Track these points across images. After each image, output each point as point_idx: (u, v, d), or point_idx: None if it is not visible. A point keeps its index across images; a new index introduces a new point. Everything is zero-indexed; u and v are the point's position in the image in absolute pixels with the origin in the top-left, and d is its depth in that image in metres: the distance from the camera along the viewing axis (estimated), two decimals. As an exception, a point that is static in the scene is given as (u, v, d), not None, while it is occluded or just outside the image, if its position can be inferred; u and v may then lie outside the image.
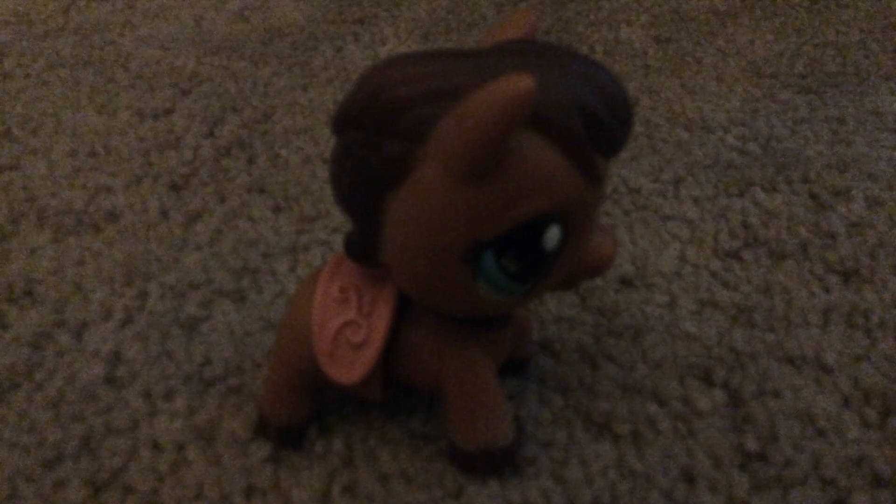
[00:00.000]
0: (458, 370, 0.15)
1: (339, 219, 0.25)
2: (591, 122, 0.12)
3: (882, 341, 0.20)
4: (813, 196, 0.25)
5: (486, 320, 0.15)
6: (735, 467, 0.17)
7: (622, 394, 0.19)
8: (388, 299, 0.15)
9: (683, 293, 0.22)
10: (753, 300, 0.21)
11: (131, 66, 0.33)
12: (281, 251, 0.23)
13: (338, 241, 0.24)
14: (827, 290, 0.22)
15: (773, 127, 0.29)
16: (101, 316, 0.21)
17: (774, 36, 0.36)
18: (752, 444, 0.17)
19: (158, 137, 0.28)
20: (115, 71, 0.33)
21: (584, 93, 0.12)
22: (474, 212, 0.12)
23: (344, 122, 0.13)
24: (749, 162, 0.27)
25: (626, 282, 0.22)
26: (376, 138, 0.12)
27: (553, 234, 0.13)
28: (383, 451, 0.17)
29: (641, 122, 0.30)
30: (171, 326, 0.20)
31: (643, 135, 0.29)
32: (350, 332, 0.15)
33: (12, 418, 0.18)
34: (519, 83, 0.11)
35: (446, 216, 0.12)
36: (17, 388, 0.19)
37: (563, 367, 0.19)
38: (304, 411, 0.17)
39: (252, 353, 0.20)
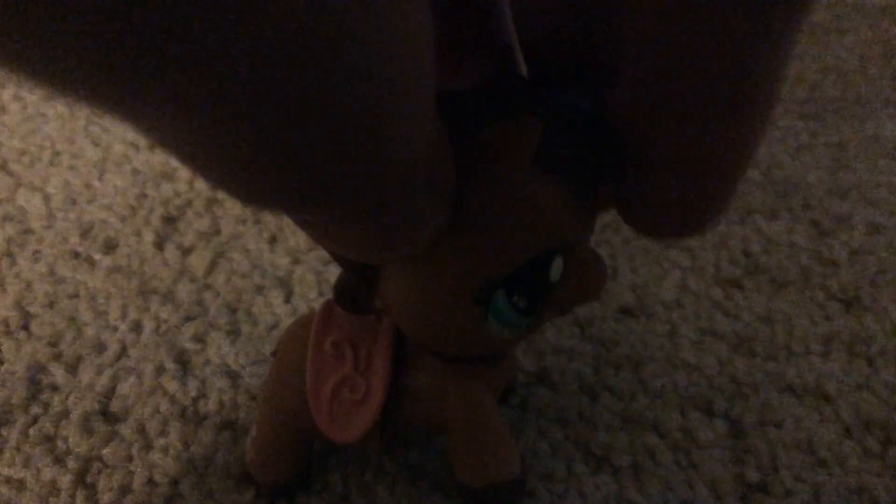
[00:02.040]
0: (461, 408, 0.16)
1: (335, 250, 0.26)
2: (585, 152, 0.13)
3: (883, 369, 0.21)
4: (814, 223, 0.27)
5: (487, 357, 0.16)
6: (736, 499, 0.18)
7: (622, 425, 0.19)
8: (384, 349, 0.16)
9: (684, 322, 0.23)
10: (754, 329, 0.22)
11: (126, 97, 0.35)
12: (275, 283, 0.25)
13: (333, 273, 0.25)
14: (828, 318, 0.23)
15: (774, 153, 0.31)
16: (96, 350, 0.22)
17: (775, 61, 0.38)
18: (752, 475, 0.18)
19: (153, 169, 0.30)
20: (110, 102, 0.35)
21: (572, 123, 0.13)
22: (486, 253, 0.13)
23: None
24: (749, 189, 0.29)
25: (626, 311, 0.23)
26: None
27: (558, 265, 0.13)
28: (380, 485, 0.18)
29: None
30: (165, 360, 0.21)
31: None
32: (348, 390, 0.16)
33: (7, 453, 0.19)
34: (526, 124, 0.11)
35: (457, 260, 0.13)
36: (12, 423, 0.20)
37: (561, 399, 0.20)
38: (297, 467, 0.17)
39: (246, 386, 0.21)
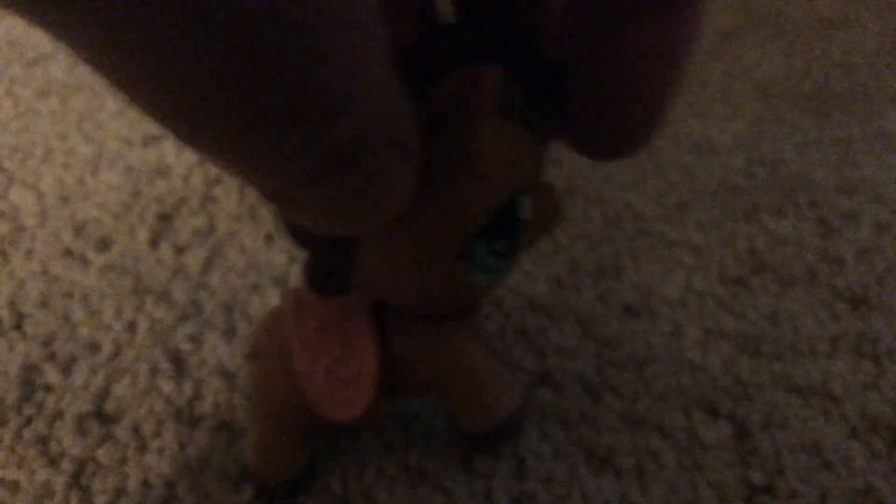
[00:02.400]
0: (453, 365, 0.17)
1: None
2: (535, 91, 0.13)
3: (890, 369, 0.21)
4: (820, 220, 0.27)
5: (465, 308, 0.16)
6: (741, 501, 0.18)
7: (625, 426, 0.19)
8: (366, 323, 0.16)
9: (688, 322, 0.23)
10: (760, 328, 0.22)
11: (120, 94, 0.35)
12: (272, 281, 0.24)
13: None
14: (835, 318, 0.23)
15: (780, 149, 0.31)
16: (90, 350, 0.22)
17: (781, 56, 0.38)
18: (758, 477, 0.18)
19: (147, 166, 0.30)
20: (104, 98, 0.34)
21: (519, 64, 0.13)
22: (466, 207, 0.13)
23: None
24: (755, 186, 0.29)
25: (629, 310, 0.23)
26: None
27: (527, 205, 0.14)
28: (379, 487, 0.18)
29: (644, 145, 0.31)
30: (160, 360, 0.21)
31: (647, 158, 0.30)
32: (341, 369, 0.16)
33: (1, 454, 0.19)
34: (486, 72, 0.12)
35: (440, 218, 0.13)
36: (6, 424, 0.20)
37: (564, 400, 0.20)
38: (301, 463, 0.18)
39: (242, 387, 0.21)
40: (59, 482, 0.18)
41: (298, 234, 0.14)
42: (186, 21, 0.07)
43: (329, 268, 0.15)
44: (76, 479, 0.18)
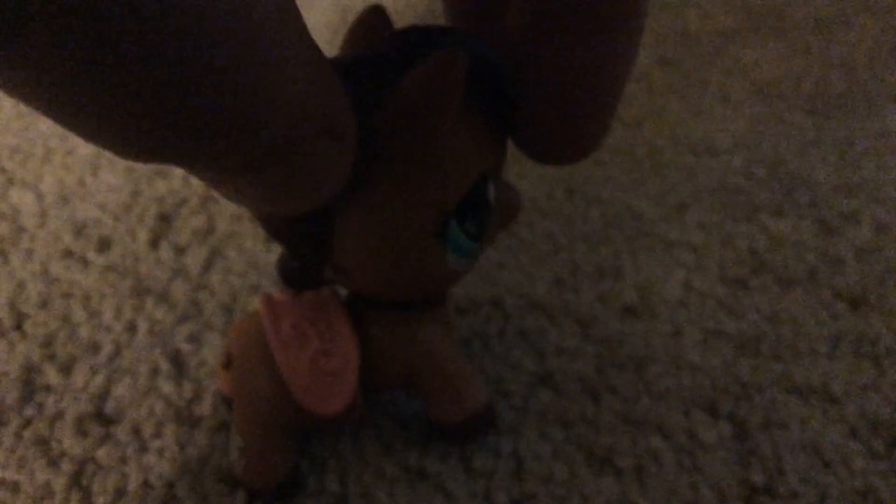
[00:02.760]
0: (426, 355, 0.17)
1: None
2: (489, 84, 0.14)
3: (890, 370, 0.21)
4: (820, 221, 0.27)
5: (436, 297, 0.17)
6: (740, 501, 0.18)
7: (625, 427, 0.20)
8: (341, 316, 0.17)
9: (688, 322, 0.23)
10: (760, 329, 0.22)
11: (120, 93, 0.35)
12: (272, 282, 0.25)
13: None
14: (834, 318, 0.23)
15: (780, 150, 0.31)
16: (90, 350, 0.22)
17: (781, 56, 0.38)
18: (757, 478, 0.18)
19: (147, 166, 0.30)
20: (103, 98, 0.35)
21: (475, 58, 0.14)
22: (439, 187, 0.14)
23: None
24: (755, 186, 0.29)
25: (629, 311, 0.23)
26: None
27: (492, 188, 0.15)
28: (379, 488, 0.18)
29: (645, 145, 0.31)
30: (160, 361, 0.21)
31: (647, 159, 0.30)
32: (323, 362, 0.16)
33: (1, 455, 0.19)
34: (452, 60, 0.12)
35: (415, 199, 0.14)
36: (6, 425, 0.20)
37: (563, 400, 0.20)
38: (289, 465, 0.18)
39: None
40: (60, 483, 0.18)
41: (273, 225, 0.15)
42: (112, 41, 0.08)
43: (304, 259, 0.15)
44: (76, 480, 0.18)
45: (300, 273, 0.16)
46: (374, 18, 0.15)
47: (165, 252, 0.26)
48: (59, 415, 0.20)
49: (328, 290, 0.17)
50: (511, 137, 0.15)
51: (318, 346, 0.16)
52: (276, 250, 0.26)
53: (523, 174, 0.29)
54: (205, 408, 0.20)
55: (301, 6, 0.20)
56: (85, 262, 0.25)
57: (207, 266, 0.25)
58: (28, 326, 0.23)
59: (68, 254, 0.26)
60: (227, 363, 0.18)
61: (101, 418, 0.20)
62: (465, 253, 0.15)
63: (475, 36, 0.14)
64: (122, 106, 0.08)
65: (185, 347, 0.22)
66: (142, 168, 0.30)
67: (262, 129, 0.10)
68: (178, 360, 0.22)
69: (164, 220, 0.27)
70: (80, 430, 0.19)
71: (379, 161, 0.13)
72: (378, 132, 0.13)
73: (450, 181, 0.14)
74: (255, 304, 0.24)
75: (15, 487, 0.18)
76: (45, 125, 0.32)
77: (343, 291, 0.18)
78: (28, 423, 0.20)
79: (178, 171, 0.30)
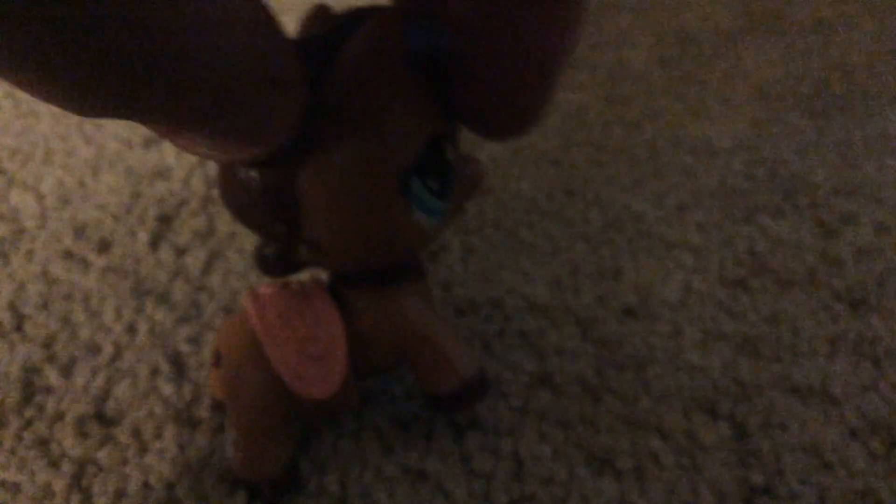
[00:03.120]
0: (412, 329, 0.17)
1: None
2: (431, 54, 0.15)
3: (889, 371, 0.21)
4: (820, 222, 0.27)
5: (415, 271, 0.18)
6: (740, 502, 0.18)
7: (625, 428, 0.20)
8: (325, 302, 0.17)
9: (688, 323, 0.23)
10: (759, 330, 0.22)
11: (120, 95, 0.35)
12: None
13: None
14: (834, 319, 0.23)
15: (780, 151, 0.31)
16: (90, 351, 0.22)
17: (780, 57, 0.38)
18: (757, 478, 0.18)
19: (147, 168, 0.30)
20: (103, 99, 0.35)
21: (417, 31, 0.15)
22: (394, 142, 0.15)
23: None
24: (755, 187, 0.29)
25: (629, 312, 0.23)
26: None
27: (449, 149, 0.16)
28: (379, 488, 0.18)
29: (644, 146, 0.31)
30: (160, 362, 0.22)
31: (646, 159, 0.31)
32: (311, 347, 0.17)
33: (1, 456, 0.19)
34: (391, 15, 0.13)
35: (374, 155, 0.15)
36: (6, 426, 0.20)
37: (563, 401, 0.20)
38: (286, 457, 0.18)
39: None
40: (60, 484, 0.18)
41: (244, 211, 0.15)
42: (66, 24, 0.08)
43: (278, 240, 0.16)
44: (77, 481, 0.18)
45: (277, 259, 0.16)
46: (321, 12, 0.16)
47: (165, 253, 0.26)
48: (60, 416, 0.20)
49: (311, 279, 0.18)
50: (455, 111, 0.15)
51: (305, 332, 0.17)
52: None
53: (523, 175, 0.29)
54: (205, 409, 0.20)
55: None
56: (85, 264, 0.25)
57: (207, 267, 0.25)
58: (28, 327, 0.23)
59: (68, 255, 0.26)
60: (217, 361, 0.18)
61: (102, 419, 0.20)
62: (433, 211, 0.16)
63: (416, 9, 0.15)
64: (65, 64, 0.09)
65: (186, 348, 0.22)
66: (142, 169, 0.30)
67: (204, 80, 0.10)
68: (178, 362, 0.22)
69: (165, 221, 0.27)
70: (81, 432, 0.20)
71: (334, 125, 0.14)
72: (330, 95, 0.14)
73: (401, 138, 0.15)
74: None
75: (15, 488, 0.18)
76: (45, 126, 0.32)
77: (326, 280, 0.18)
78: (28, 424, 0.20)
79: (179, 173, 0.30)
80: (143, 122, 0.11)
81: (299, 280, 0.18)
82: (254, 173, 0.15)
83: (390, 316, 0.17)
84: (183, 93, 0.10)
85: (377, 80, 0.14)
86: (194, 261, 0.25)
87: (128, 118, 0.10)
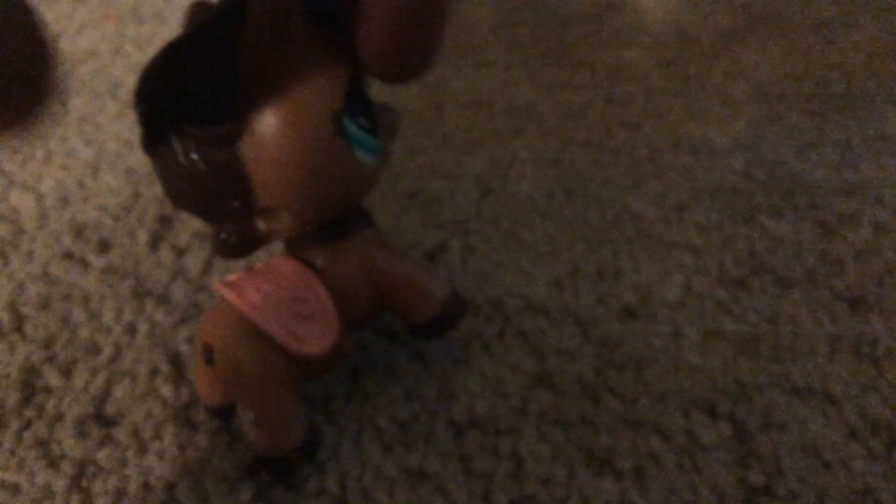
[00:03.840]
0: (384, 269, 0.18)
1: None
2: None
3: (889, 371, 0.21)
4: (820, 222, 0.27)
5: (366, 220, 0.19)
6: (740, 502, 0.18)
7: (624, 428, 0.20)
8: (296, 266, 0.18)
9: (688, 323, 0.23)
10: (759, 330, 0.22)
11: (120, 95, 0.35)
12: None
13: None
14: (834, 319, 0.23)
15: (779, 151, 0.31)
16: (90, 352, 0.22)
17: (780, 57, 0.38)
18: (757, 478, 0.18)
19: (147, 168, 0.30)
20: (104, 100, 0.35)
21: None
22: (322, 86, 0.15)
23: (154, 133, 0.16)
24: (755, 187, 0.29)
25: (628, 312, 0.23)
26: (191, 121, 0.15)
27: (367, 87, 0.17)
28: (379, 489, 0.18)
29: (644, 146, 0.31)
30: (160, 363, 0.22)
31: (646, 159, 0.31)
32: (300, 308, 0.17)
33: (1, 457, 0.19)
34: None
35: (301, 106, 0.15)
36: (6, 427, 0.20)
37: (562, 401, 0.20)
38: (304, 419, 0.18)
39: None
40: (60, 485, 0.18)
41: (195, 201, 0.16)
42: None
43: (235, 224, 0.17)
44: (76, 482, 0.18)
45: (238, 239, 0.17)
46: (201, 7, 0.16)
47: (165, 253, 0.26)
48: (60, 417, 0.20)
49: (274, 255, 0.18)
50: (356, 58, 0.16)
51: (289, 296, 0.17)
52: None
53: (523, 175, 0.29)
54: (204, 410, 0.20)
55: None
56: (85, 264, 0.25)
57: (207, 268, 0.25)
58: (28, 328, 0.23)
59: (68, 255, 0.26)
60: (209, 357, 0.18)
61: (101, 420, 0.20)
62: (371, 148, 0.17)
63: None
64: None
65: (185, 349, 0.22)
66: (142, 169, 0.30)
67: None
68: (178, 362, 0.22)
69: (164, 221, 0.27)
70: (81, 432, 0.20)
71: (261, 89, 0.15)
72: (247, 64, 0.15)
73: (324, 84, 0.16)
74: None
75: (15, 489, 0.18)
76: (44, 127, 0.32)
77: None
78: (28, 424, 0.20)
79: (178, 173, 0.30)
80: None
81: (260, 261, 0.19)
82: (194, 156, 0.16)
83: (358, 265, 0.18)
84: None
85: (284, 37, 0.15)
86: (194, 261, 0.25)
87: None
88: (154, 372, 0.21)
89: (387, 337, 0.22)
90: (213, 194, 0.16)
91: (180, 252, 0.26)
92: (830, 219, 0.27)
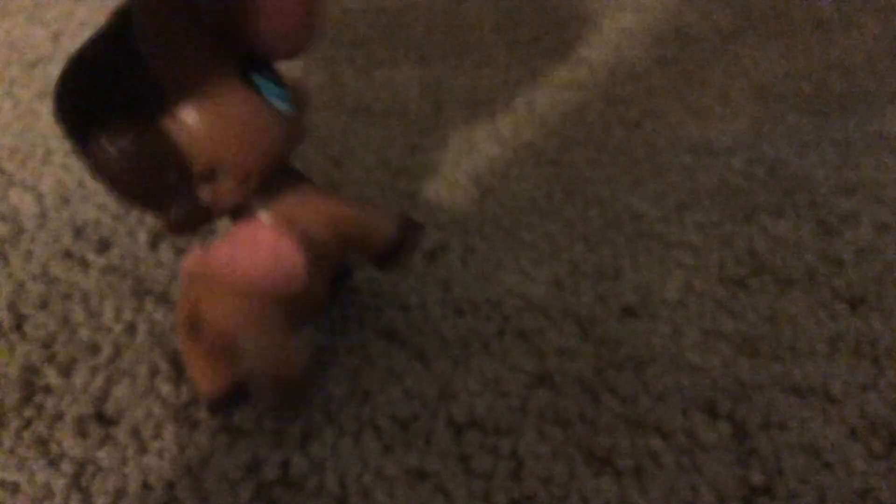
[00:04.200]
0: (335, 212, 0.20)
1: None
2: None
3: (889, 370, 0.21)
4: (820, 221, 0.27)
5: (300, 176, 0.20)
6: (739, 501, 0.18)
7: (624, 427, 0.20)
8: (249, 224, 0.19)
9: (688, 323, 0.23)
10: (759, 329, 0.22)
11: (120, 95, 0.35)
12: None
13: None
14: (834, 318, 0.23)
15: (780, 150, 0.31)
16: (90, 351, 0.22)
17: (780, 57, 0.38)
18: (756, 478, 0.18)
19: (148, 167, 0.30)
20: (103, 99, 0.35)
21: None
22: (225, 51, 0.17)
23: (80, 137, 0.17)
24: (755, 186, 0.29)
25: (628, 311, 0.23)
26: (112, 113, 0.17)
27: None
28: (378, 488, 0.18)
29: (644, 145, 0.31)
30: (160, 362, 0.22)
31: (646, 159, 0.31)
32: (265, 254, 0.19)
33: (1, 456, 0.19)
34: None
35: (211, 70, 0.17)
36: (6, 426, 0.20)
37: (563, 400, 0.20)
38: (305, 344, 0.20)
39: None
40: (60, 484, 0.18)
41: (138, 187, 0.17)
42: None
43: (181, 199, 0.18)
44: (76, 481, 0.18)
45: (188, 212, 0.18)
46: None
47: (165, 253, 0.26)
48: (59, 416, 0.20)
49: (225, 225, 0.20)
50: (248, 37, 0.17)
51: (250, 248, 0.19)
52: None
53: (523, 175, 0.29)
54: (204, 409, 0.20)
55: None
56: (85, 264, 0.25)
57: (207, 267, 0.25)
58: (28, 327, 0.23)
59: (68, 255, 0.26)
60: (195, 325, 0.19)
61: (101, 419, 0.20)
62: (283, 97, 0.18)
63: None
64: None
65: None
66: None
67: None
68: (177, 362, 0.22)
69: (164, 221, 0.27)
70: (80, 431, 0.20)
71: (168, 70, 0.16)
72: (148, 53, 0.16)
73: (223, 51, 0.17)
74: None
75: (15, 488, 0.18)
76: (44, 126, 0.32)
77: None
78: (28, 424, 0.20)
79: (178, 173, 0.30)
80: None
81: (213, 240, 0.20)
82: (123, 144, 0.17)
83: (311, 210, 0.19)
84: None
85: (171, 23, 0.16)
86: (194, 261, 0.25)
87: None
88: (154, 371, 0.21)
89: (387, 337, 0.22)
90: (151, 172, 0.17)
91: (180, 252, 0.26)
92: (830, 218, 0.27)
